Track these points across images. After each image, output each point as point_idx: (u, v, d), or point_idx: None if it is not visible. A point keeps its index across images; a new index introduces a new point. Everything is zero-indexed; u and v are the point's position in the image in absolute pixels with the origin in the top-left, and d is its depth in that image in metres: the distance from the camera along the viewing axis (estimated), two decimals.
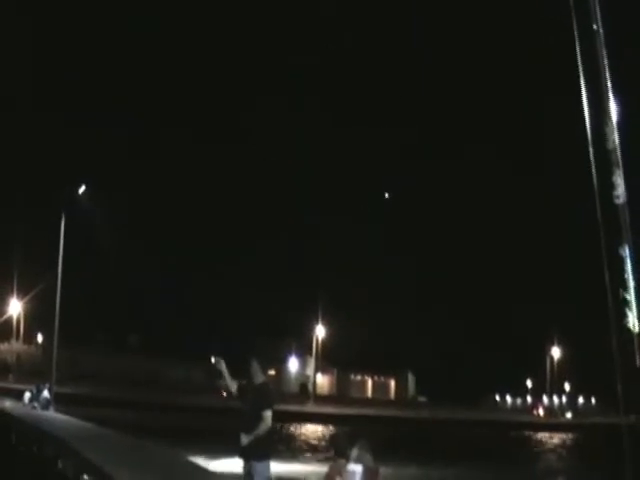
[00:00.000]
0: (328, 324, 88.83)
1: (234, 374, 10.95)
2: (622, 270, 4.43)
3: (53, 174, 75.44)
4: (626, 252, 4.43)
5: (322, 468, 18.69)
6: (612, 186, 4.48)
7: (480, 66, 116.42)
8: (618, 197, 4.47)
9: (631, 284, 4.44)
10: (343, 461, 9.08)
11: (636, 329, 4.40)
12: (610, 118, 4.57)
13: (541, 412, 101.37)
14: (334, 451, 9.46)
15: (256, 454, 9.96)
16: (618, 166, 4.54)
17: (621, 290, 4.42)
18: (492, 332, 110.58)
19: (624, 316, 4.41)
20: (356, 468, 8.87)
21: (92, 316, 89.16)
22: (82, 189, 42.26)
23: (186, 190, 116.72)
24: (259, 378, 10.49)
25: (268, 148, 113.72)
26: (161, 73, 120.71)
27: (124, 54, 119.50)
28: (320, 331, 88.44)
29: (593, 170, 4.56)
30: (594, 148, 4.57)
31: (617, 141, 4.56)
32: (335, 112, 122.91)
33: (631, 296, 4.41)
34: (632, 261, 4.45)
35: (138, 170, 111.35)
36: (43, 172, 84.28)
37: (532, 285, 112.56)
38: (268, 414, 9.97)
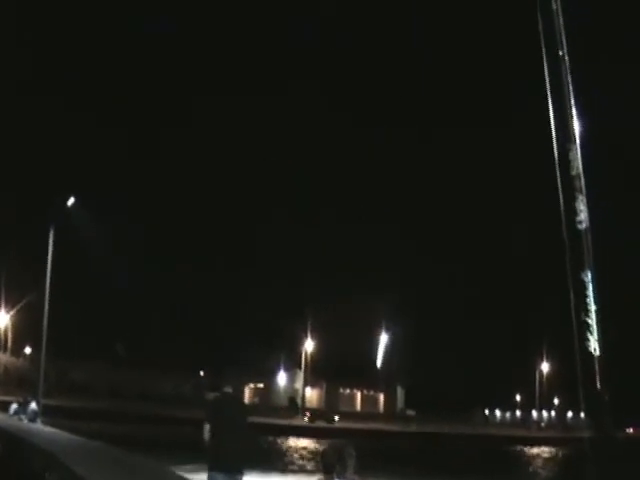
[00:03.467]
0: (317, 338, 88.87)
1: (216, 387, 11.09)
2: (584, 295, 4.56)
3: (41, 185, 75.42)
4: (588, 277, 4.56)
5: None
6: (575, 212, 4.62)
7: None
8: (581, 222, 4.61)
9: (592, 308, 4.57)
10: (331, 476, 9.12)
11: (596, 353, 4.53)
12: (574, 144, 4.71)
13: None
14: (322, 467, 9.45)
15: (240, 468, 10.06)
16: (581, 192, 4.68)
17: (582, 314, 4.54)
18: (482, 346, 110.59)
19: (586, 340, 4.54)
20: None
21: (80, 327, 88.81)
22: (71, 201, 42.29)
23: (179, 199, 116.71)
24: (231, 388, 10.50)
25: (265, 154, 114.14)
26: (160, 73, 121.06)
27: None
28: (309, 345, 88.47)
29: (560, 195, 4.70)
30: (560, 174, 4.71)
31: (580, 167, 4.70)
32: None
33: (592, 320, 4.54)
34: (593, 286, 4.57)
35: (133, 176, 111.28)
36: (31, 183, 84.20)
37: (522, 298, 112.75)
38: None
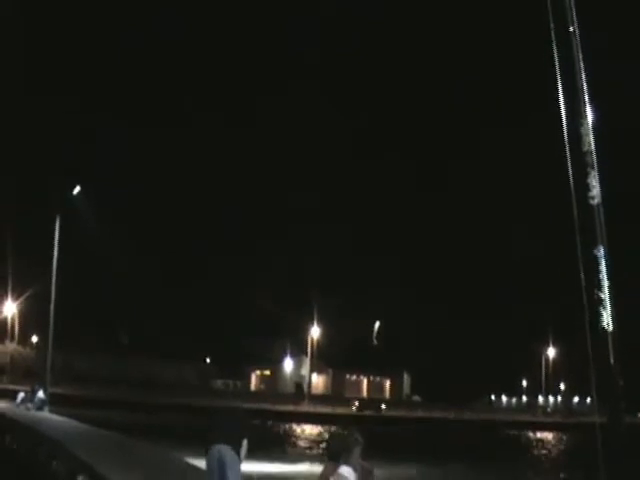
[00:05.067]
0: (323, 324, 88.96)
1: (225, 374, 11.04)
2: (597, 270, 4.49)
3: (48, 174, 75.38)
4: (600, 252, 4.50)
5: (315, 468, 18.77)
6: (587, 187, 4.56)
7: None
8: (593, 198, 4.54)
9: (605, 283, 4.50)
10: (338, 463, 9.06)
11: (610, 328, 4.45)
12: (585, 120, 4.63)
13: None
14: (328, 453, 9.38)
15: None
16: (593, 167, 4.61)
17: (595, 290, 4.48)
18: (488, 332, 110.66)
19: (599, 315, 4.47)
20: (350, 471, 8.86)
21: (86, 316, 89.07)
22: (77, 190, 42.27)
23: (180, 191, 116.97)
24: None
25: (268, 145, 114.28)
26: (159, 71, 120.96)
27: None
28: (315, 331, 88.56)
29: (570, 172, 4.63)
30: (570, 150, 4.64)
31: (592, 143, 4.63)
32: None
33: (605, 295, 4.48)
34: (606, 261, 4.50)
35: (134, 170, 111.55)
36: (38, 172, 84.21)
37: (528, 284, 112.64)
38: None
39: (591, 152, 4.63)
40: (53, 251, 40.36)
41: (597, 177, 4.62)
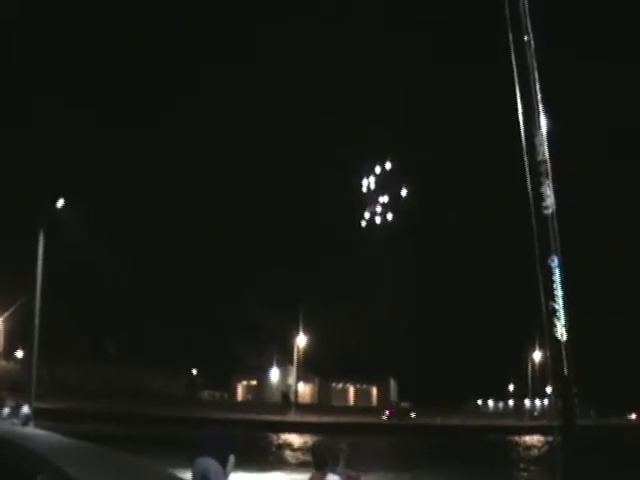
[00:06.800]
0: (309, 333, 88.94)
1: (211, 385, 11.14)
2: (551, 280, 4.57)
3: (31, 187, 74.90)
4: (555, 263, 4.59)
5: (301, 476, 18.81)
6: (541, 197, 4.65)
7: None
8: (547, 208, 4.64)
9: (559, 294, 4.59)
10: (324, 472, 9.09)
11: (563, 338, 4.56)
12: (540, 129, 4.73)
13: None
14: (314, 462, 9.41)
15: None
16: (547, 177, 4.71)
17: (549, 300, 4.56)
18: (473, 336, 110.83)
19: (553, 325, 4.56)
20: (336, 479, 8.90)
21: (72, 328, 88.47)
22: (60, 203, 42.13)
23: (168, 195, 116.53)
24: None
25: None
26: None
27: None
28: (301, 340, 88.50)
29: (528, 181, 4.73)
30: (528, 159, 4.73)
31: (546, 153, 4.73)
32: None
33: (559, 305, 4.57)
34: (560, 271, 4.59)
35: (118, 177, 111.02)
36: (21, 185, 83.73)
37: (511, 286, 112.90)
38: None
39: (545, 161, 4.73)
40: (37, 264, 40.20)
41: (551, 186, 4.72)
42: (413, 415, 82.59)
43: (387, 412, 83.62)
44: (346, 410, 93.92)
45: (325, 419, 73.79)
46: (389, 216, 66.66)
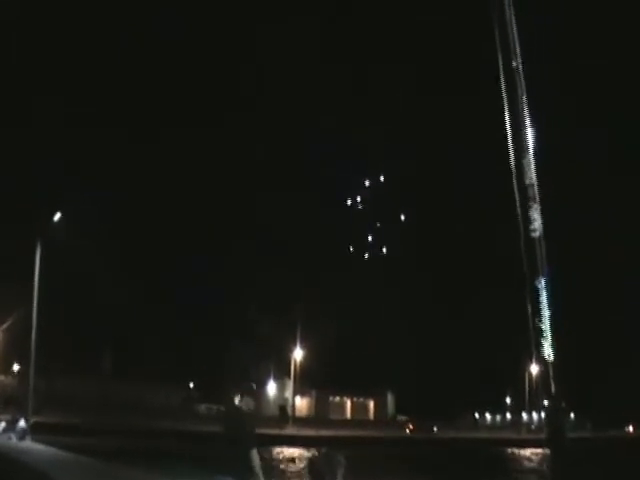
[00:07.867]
0: (306, 347, 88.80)
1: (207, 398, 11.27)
2: (537, 301, 4.68)
3: (31, 187, 75.00)
4: (542, 284, 4.70)
5: None
6: (529, 220, 4.76)
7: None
8: (535, 231, 4.75)
9: (546, 314, 4.69)
10: None
11: (550, 358, 4.66)
12: (528, 154, 4.85)
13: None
14: (311, 475, 9.42)
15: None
16: (535, 201, 4.82)
17: (536, 320, 4.67)
18: (471, 350, 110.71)
19: (539, 345, 4.66)
20: None
21: (69, 341, 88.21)
22: (57, 217, 42.22)
23: (167, 203, 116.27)
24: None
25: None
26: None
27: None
28: (298, 353, 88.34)
29: (517, 204, 4.84)
30: (516, 182, 4.85)
31: (534, 177, 4.84)
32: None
33: (546, 326, 4.67)
34: (547, 292, 4.69)
35: (117, 177, 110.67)
36: (21, 185, 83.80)
37: (509, 300, 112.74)
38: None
39: (533, 185, 4.85)
40: (34, 277, 40.24)
41: (539, 210, 4.83)
42: (435, 429, 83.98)
43: (410, 426, 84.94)
44: (359, 423, 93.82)
45: (341, 432, 73.93)
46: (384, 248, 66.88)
